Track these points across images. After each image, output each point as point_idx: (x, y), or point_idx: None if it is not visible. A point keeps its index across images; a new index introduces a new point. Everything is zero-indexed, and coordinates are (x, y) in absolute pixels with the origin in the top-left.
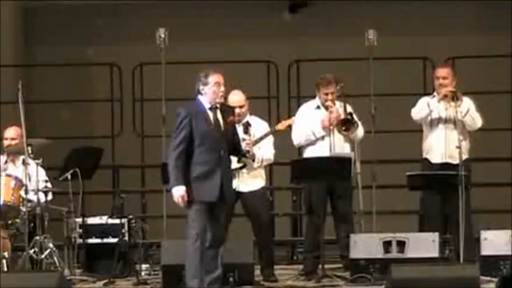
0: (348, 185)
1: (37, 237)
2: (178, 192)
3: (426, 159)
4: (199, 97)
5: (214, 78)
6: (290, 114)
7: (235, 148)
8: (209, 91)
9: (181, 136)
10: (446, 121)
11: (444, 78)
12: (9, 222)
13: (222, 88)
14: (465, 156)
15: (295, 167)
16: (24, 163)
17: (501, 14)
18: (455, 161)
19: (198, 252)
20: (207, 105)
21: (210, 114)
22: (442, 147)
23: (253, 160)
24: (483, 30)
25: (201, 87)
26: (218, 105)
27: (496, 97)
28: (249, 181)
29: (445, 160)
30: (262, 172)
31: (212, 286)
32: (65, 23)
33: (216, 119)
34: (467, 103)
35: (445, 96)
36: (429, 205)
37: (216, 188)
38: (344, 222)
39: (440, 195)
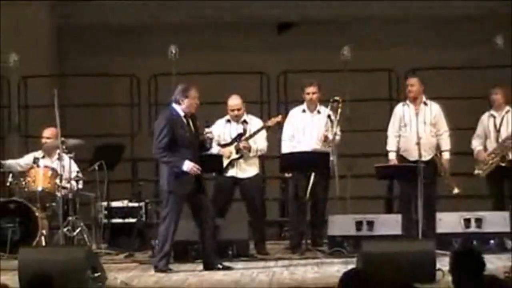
0: (326, 174)
1: (70, 218)
2: (188, 165)
3: (402, 156)
4: (175, 105)
5: (194, 93)
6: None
7: (202, 145)
8: (188, 103)
9: (166, 140)
10: (417, 123)
11: (412, 85)
12: (47, 205)
13: (197, 101)
14: (432, 154)
15: (283, 160)
16: (59, 157)
17: (457, 31)
18: (426, 158)
19: (171, 229)
20: (181, 113)
21: (185, 120)
22: (415, 146)
23: (249, 151)
24: (440, 45)
25: (181, 98)
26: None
27: (449, 101)
28: (246, 168)
29: (413, 157)
30: (256, 161)
31: None
32: (92, 40)
33: (189, 125)
34: (435, 108)
35: (415, 99)
36: (401, 192)
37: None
38: (322, 203)
39: (406, 184)
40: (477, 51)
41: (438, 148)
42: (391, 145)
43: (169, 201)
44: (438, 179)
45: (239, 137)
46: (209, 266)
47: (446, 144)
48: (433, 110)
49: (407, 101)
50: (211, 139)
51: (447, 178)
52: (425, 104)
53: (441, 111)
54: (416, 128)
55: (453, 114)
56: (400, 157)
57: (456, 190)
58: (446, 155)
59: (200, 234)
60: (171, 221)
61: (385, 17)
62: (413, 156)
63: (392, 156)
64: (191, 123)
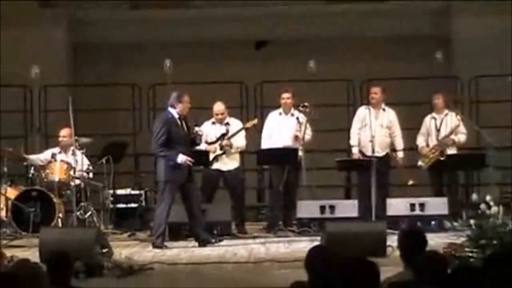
0: (297, 167)
1: (82, 203)
2: (182, 158)
3: (361, 151)
4: (170, 109)
5: (186, 99)
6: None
7: (193, 141)
8: (182, 107)
9: (163, 138)
10: (376, 125)
11: (375, 93)
12: (63, 193)
13: (189, 105)
14: (386, 150)
15: (260, 155)
16: (73, 153)
17: (405, 48)
18: (380, 154)
19: (166, 213)
20: (176, 115)
21: (179, 121)
22: (369, 144)
23: (231, 148)
24: (390, 60)
25: (175, 103)
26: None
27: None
28: (228, 162)
29: (373, 154)
30: (237, 156)
31: None
32: (101, 55)
33: (182, 125)
34: (392, 114)
35: (376, 104)
36: (359, 182)
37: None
38: (292, 191)
39: (362, 174)
40: (421, 65)
41: (391, 146)
42: (353, 141)
43: (165, 189)
44: (390, 171)
45: (222, 136)
46: (203, 243)
47: (399, 144)
48: (390, 116)
49: (370, 106)
50: (200, 136)
51: (401, 172)
52: (384, 110)
53: (396, 116)
54: (371, 129)
55: (401, 116)
56: (359, 152)
57: (410, 182)
58: (400, 154)
59: (188, 216)
60: (166, 205)
61: (344, 36)
62: (368, 151)
63: (355, 150)
64: (184, 124)
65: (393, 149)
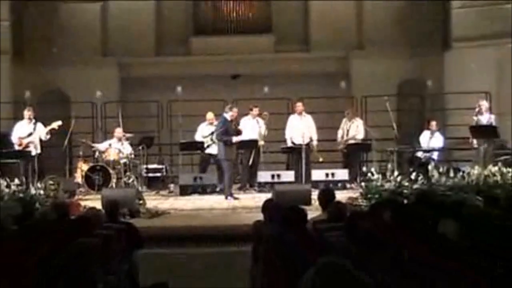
0: (258, 151)
1: (127, 173)
2: (233, 139)
3: (292, 141)
4: (225, 114)
5: (234, 111)
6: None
7: (238, 133)
8: (231, 113)
9: (221, 130)
10: (301, 126)
11: (298, 106)
12: (115, 167)
13: (236, 113)
14: (308, 141)
15: (239, 143)
16: (122, 142)
17: (322, 81)
18: (305, 143)
19: (230, 178)
20: (228, 118)
21: (230, 122)
22: (301, 136)
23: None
24: (313, 87)
25: (227, 111)
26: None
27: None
28: (215, 149)
29: (300, 142)
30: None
31: None
32: (140, 83)
33: (232, 124)
34: (309, 118)
35: (300, 113)
36: (294, 160)
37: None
38: (254, 165)
39: (295, 155)
40: (331, 90)
41: (311, 139)
42: (288, 135)
43: (226, 163)
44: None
45: (211, 133)
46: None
47: (314, 137)
48: (308, 120)
49: (296, 114)
50: (241, 131)
51: (316, 153)
52: (304, 116)
53: (312, 120)
54: (299, 128)
55: (319, 120)
56: (292, 142)
57: (320, 159)
58: (314, 143)
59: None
60: (229, 173)
61: (286, 72)
62: (298, 141)
63: (289, 141)
64: (232, 123)
65: (311, 140)
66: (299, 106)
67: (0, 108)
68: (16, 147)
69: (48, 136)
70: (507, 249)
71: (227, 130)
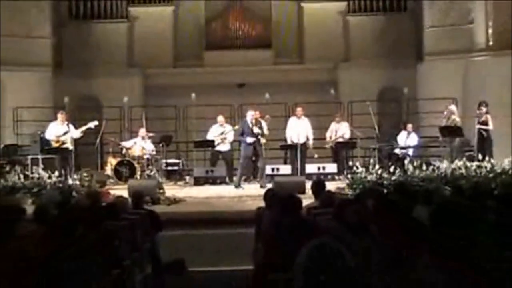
0: (261, 148)
1: (150, 167)
2: (250, 140)
3: (292, 140)
4: (246, 117)
5: (252, 114)
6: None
7: (257, 135)
8: (251, 116)
9: (240, 131)
10: (300, 127)
11: (298, 111)
12: (140, 161)
13: (257, 116)
14: (304, 140)
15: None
16: (145, 141)
17: (310, 88)
18: (301, 141)
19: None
20: (248, 120)
21: (250, 124)
22: (296, 136)
23: (225, 139)
24: (301, 94)
25: (248, 115)
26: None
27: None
28: (224, 146)
29: (297, 141)
30: (228, 143)
31: None
32: (163, 92)
33: (251, 125)
34: (307, 121)
35: (299, 116)
36: (290, 155)
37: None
38: (257, 160)
39: (292, 151)
40: (322, 96)
41: (307, 138)
42: (288, 135)
43: (243, 160)
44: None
45: (221, 133)
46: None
47: (310, 137)
48: (306, 122)
49: (296, 117)
50: (259, 133)
51: (312, 151)
52: (303, 119)
53: (309, 122)
54: (297, 129)
55: (314, 122)
56: (291, 141)
57: (316, 156)
58: (311, 142)
59: (253, 170)
60: (242, 170)
61: (283, 81)
62: (296, 140)
63: (288, 140)
64: (253, 125)
65: (307, 139)
66: (299, 110)
67: (43, 112)
68: (53, 144)
69: (82, 135)
70: (469, 231)
71: (243, 131)
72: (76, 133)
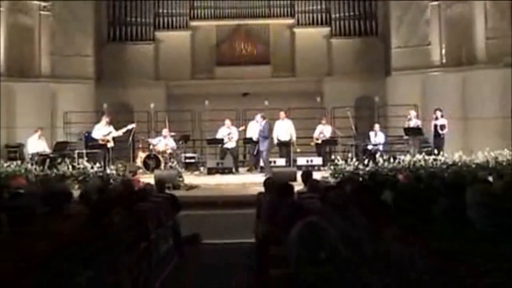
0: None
1: (172, 159)
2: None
3: (278, 139)
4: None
5: (260, 117)
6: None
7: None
8: (261, 119)
9: (260, 130)
10: (283, 128)
11: (282, 114)
12: (164, 155)
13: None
14: (289, 138)
15: (247, 139)
16: (168, 139)
17: (299, 97)
18: (287, 139)
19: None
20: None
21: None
22: (284, 135)
23: (232, 138)
24: (291, 101)
25: (258, 115)
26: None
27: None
28: (230, 144)
29: (284, 139)
30: (234, 141)
31: None
32: (179, 100)
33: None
34: (290, 122)
35: (283, 118)
36: (280, 151)
37: None
38: (258, 155)
39: (282, 147)
40: (310, 103)
41: (291, 136)
42: (275, 135)
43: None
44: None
45: (228, 134)
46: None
47: (293, 136)
48: (288, 123)
49: (281, 119)
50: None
51: (294, 147)
52: (286, 121)
53: (292, 123)
54: (281, 129)
55: (301, 124)
56: (277, 139)
57: (298, 150)
58: (294, 139)
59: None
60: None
61: (279, 91)
62: (282, 139)
63: (275, 139)
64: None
65: (291, 137)
66: (282, 114)
67: (87, 116)
68: (100, 142)
69: (122, 134)
70: (425, 210)
71: (263, 130)
72: (118, 133)
